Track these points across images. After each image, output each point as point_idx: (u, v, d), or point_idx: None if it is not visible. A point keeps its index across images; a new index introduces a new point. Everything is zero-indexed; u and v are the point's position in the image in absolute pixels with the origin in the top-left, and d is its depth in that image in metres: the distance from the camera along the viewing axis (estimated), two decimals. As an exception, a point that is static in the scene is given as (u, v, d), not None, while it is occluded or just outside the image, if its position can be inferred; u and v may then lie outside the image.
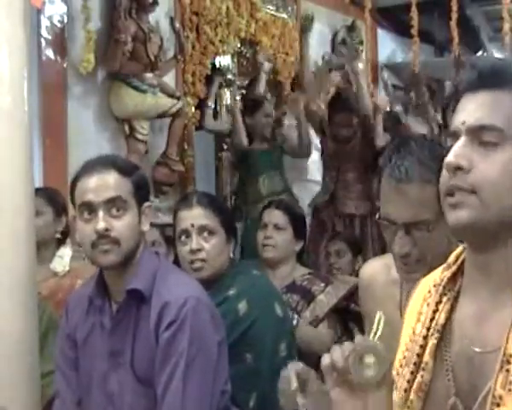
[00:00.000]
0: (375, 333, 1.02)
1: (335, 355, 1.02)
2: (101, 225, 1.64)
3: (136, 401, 1.71)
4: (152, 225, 1.90)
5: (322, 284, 2.69)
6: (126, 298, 1.71)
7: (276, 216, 2.80)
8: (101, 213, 1.65)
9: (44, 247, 2.62)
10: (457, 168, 0.97)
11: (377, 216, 1.55)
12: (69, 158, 3.80)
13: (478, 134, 0.97)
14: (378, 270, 1.69)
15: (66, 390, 1.80)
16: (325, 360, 1.03)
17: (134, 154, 4.06)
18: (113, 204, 1.66)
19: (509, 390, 0.90)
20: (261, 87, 4.86)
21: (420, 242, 1.48)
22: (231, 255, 2.21)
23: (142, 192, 1.74)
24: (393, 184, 1.48)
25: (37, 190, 2.59)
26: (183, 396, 1.64)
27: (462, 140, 0.98)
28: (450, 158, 0.98)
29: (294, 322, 2.52)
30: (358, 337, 1.02)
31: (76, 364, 1.80)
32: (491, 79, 0.98)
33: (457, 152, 0.98)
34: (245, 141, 4.57)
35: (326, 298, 2.65)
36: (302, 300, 2.66)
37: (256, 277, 2.29)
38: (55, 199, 2.71)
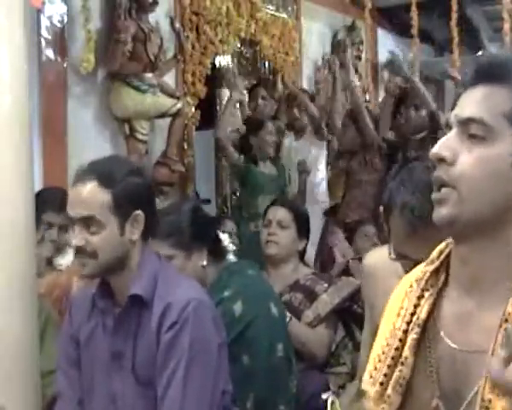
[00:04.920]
0: None
1: None
2: (75, 241, 1.68)
3: (138, 403, 1.71)
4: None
5: (326, 284, 2.69)
6: (128, 302, 1.71)
7: (280, 213, 2.80)
8: (77, 230, 1.68)
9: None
10: (440, 160, 0.96)
11: (392, 255, 1.55)
12: (69, 158, 3.80)
13: (467, 127, 0.96)
14: (381, 260, 1.68)
15: (68, 390, 1.80)
16: None
17: (134, 154, 4.06)
18: (87, 222, 1.66)
19: (498, 394, 0.88)
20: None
21: None
22: (203, 263, 2.17)
23: (126, 202, 1.68)
24: (408, 225, 1.49)
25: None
26: (183, 397, 1.64)
27: (453, 132, 0.98)
28: (434, 149, 0.97)
29: (287, 320, 2.51)
30: None
31: (78, 364, 1.80)
32: (488, 73, 0.97)
33: (443, 143, 0.97)
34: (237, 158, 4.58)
35: (329, 298, 2.64)
36: (305, 299, 2.65)
37: (251, 277, 2.28)
38: None
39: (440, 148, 0.97)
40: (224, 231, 2.61)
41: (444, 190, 0.96)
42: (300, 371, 2.42)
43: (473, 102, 0.96)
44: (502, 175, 0.93)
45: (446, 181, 0.96)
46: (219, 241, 2.30)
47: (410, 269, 1.27)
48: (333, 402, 1.01)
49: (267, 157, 4.55)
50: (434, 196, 0.97)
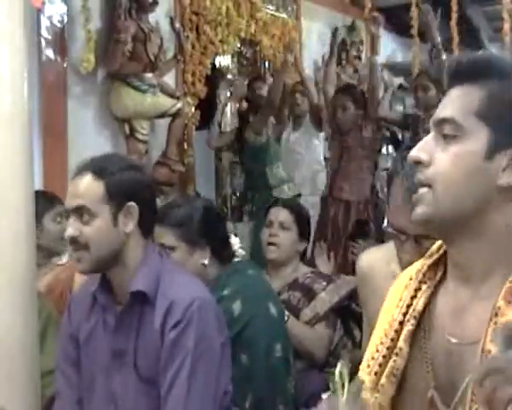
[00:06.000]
0: (343, 386, 0.98)
1: None
2: (68, 231, 1.69)
3: (139, 401, 1.70)
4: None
5: (324, 283, 2.69)
6: (131, 299, 1.71)
7: (282, 214, 2.80)
8: (70, 220, 1.69)
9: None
10: (417, 162, 0.98)
11: (385, 225, 1.55)
12: (69, 158, 3.80)
13: (441, 127, 0.98)
14: (377, 262, 1.68)
15: (67, 389, 1.80)
16: None
17: (134, 154, 4.07)
18: (81, 212, 1.67)
19: None
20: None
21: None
22: (205, 262, 2.16)
23: (119, 193, 1.69)
24: (408, 196, 1.46)
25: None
26: (187, 396, 1.64)
27: (430, 135, 1.00)
28: (411, 152, 1.00)
29: (285, 318, 2.51)
30: (329, 402, 0.97)
31: (78, 363, 1.80)
32: (459, 75, 0.99)
33: (420, 146, 0.99)
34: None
35: (327, 296, 2.65)
36: (304, 297, 2.65)
37: (251, 276, 2.28)
38: None
39: (417, 151, 0.99)
40: (236, 235, 2.59)
41: (421, 190, 0.98)
42: (300, 370, 2.42)
43: (447, 104, 0.99)
44: (475, 171, 0.95)
45: (423, 181, 0.98)
46: (229, 244, 2.28)
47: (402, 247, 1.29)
48: (341, 368, 0.98)
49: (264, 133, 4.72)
50: (413, 197, 1.00)
